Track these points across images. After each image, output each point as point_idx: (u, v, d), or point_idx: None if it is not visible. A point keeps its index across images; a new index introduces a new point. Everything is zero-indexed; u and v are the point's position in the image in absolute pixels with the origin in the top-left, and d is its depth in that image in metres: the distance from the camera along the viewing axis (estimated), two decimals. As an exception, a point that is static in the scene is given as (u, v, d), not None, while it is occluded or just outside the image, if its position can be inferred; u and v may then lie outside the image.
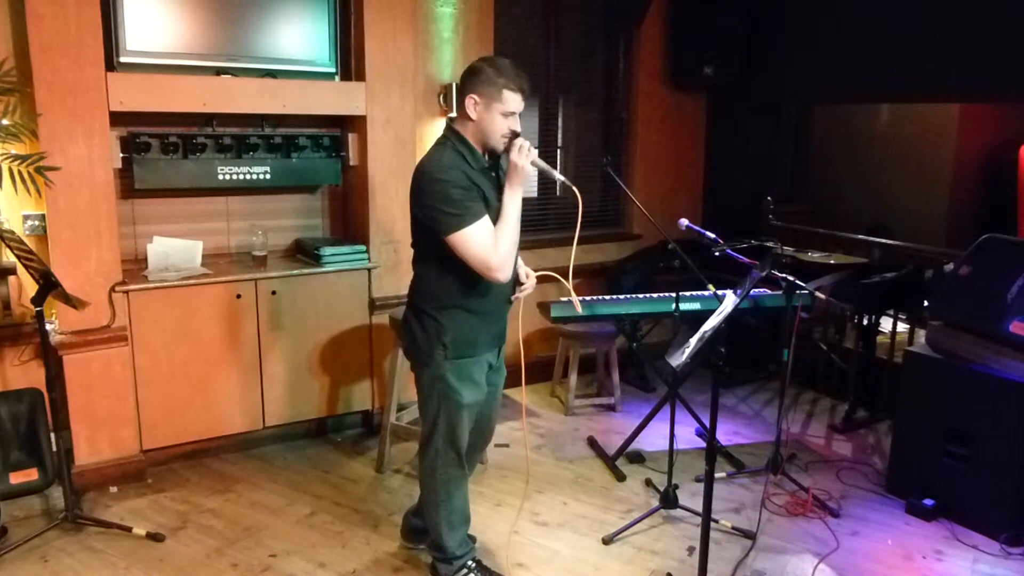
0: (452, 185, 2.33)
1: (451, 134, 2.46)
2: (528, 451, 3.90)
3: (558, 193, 5.08)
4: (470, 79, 2.41)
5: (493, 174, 2.51)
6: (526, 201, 5.23)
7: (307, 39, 3.80)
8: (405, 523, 3.06)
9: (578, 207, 2.40)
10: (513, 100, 2.37)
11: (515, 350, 2.70)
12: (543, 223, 5.08)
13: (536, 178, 4.98)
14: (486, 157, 2.48)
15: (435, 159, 2.42)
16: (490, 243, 2.35)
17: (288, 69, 3.76)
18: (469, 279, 2.46)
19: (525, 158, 2.36)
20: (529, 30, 4.83)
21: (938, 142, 6.64)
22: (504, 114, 2.38)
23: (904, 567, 2.98)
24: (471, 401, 2.58)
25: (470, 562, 2.75)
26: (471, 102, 2.39)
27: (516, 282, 2.63)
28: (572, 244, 2.47)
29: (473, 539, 3.02)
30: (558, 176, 2.51)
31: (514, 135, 2.41)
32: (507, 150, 2.42)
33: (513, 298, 2.62)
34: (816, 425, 4.33)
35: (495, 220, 2.41)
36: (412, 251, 2.61)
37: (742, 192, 5.27)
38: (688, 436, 4.05)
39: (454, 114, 2.48)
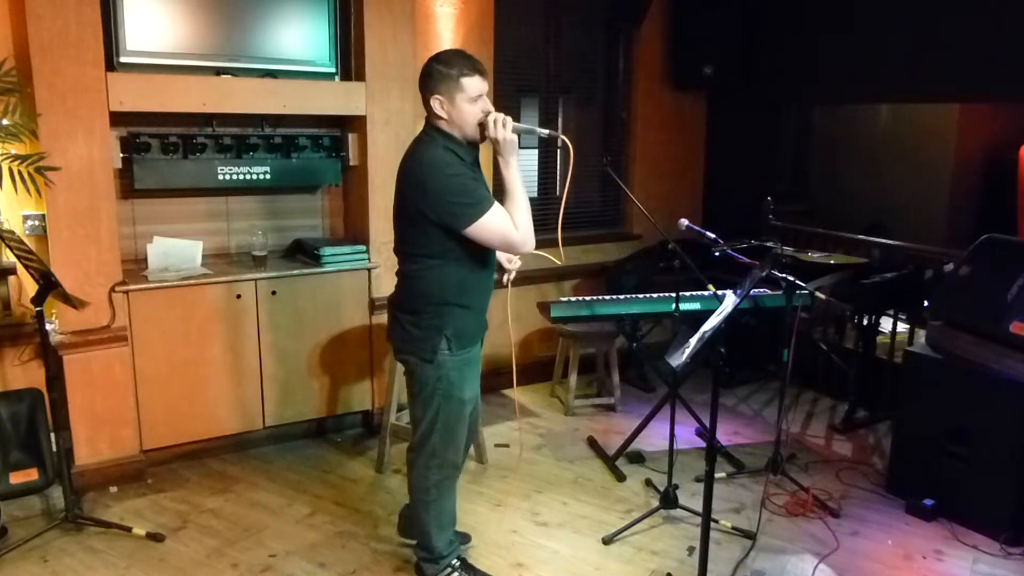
0: (465, 178, 2.38)
1: (437, 134, 2.45)
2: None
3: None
4: (427, 82, 2.42)
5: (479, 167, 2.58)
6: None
7: (307, 39, 3.80)
8: (401, 519, 3.08)
9: (569, 155, 2.48)
10: (472, 84, 2.38)
11: (515, 351, 2.72)
12: (544, 223, 5.06)
13: (538, 172, 4.98)
14: (474, 150, 2.52)
15: (436, 156, 2.40)
16: (508, 222, 2.42)
17: (288, 69, 3.76)
18: (467, 274, 2.50)
19: (504, 130, 2.38)
20: (529, 30, 4.83)
21: (938, 142, 6.63)
22: (470, 100, 2.39)
23: (904, 567, 2.98)
24: (471, 396, 2.63)
25: (454, 561, 2.76)
26: (437, 103, 2.41)
27: (501, 268, 2.72)
28: (561, 208, 2.68)
29: (468, 537, 3.02)
30: (541, 132, 2.56)
31: (486, 116, 2.42)
32: (484, 130, 2.42)
33: (506, 281, 2.69)
34: (816, 425, 4.33)
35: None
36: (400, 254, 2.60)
37: (742, 192, 5.26)
38: (688, 436, 4.05)
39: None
